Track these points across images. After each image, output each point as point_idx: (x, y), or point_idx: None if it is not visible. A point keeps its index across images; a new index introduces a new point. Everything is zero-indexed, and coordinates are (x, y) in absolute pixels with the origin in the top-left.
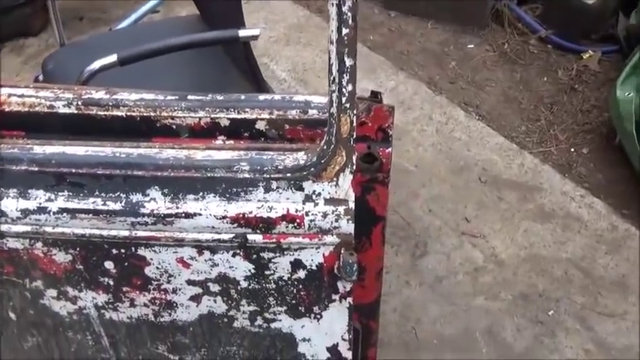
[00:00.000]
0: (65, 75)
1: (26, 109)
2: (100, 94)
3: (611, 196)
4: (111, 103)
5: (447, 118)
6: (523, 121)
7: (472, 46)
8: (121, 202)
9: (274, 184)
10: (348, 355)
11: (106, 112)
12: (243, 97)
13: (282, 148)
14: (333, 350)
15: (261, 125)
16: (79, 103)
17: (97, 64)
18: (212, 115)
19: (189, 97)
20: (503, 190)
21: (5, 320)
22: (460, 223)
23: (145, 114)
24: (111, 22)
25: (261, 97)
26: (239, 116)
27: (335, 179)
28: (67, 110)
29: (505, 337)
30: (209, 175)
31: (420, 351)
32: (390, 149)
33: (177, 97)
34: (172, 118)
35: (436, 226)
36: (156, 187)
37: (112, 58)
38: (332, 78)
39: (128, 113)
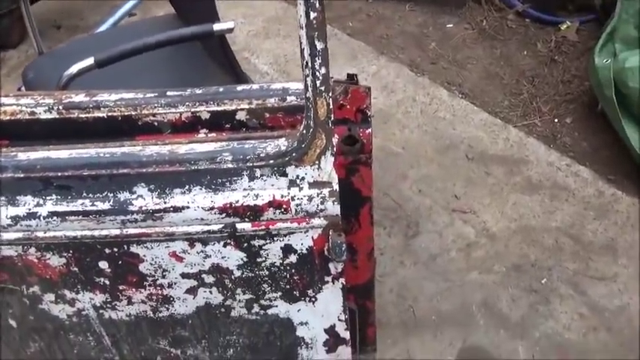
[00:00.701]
0: (46, 82)
1: (7, 118)
2: (79, 98)
3: (597, 162)
4: (91, 105)
5: (430, 98)
6: (506, 96)
7: (451, 25)
8: (109, 202)
9: (258, 172)
10: (346, 335)
11: (87, 115)
12: (221, 89)
13: (264, 136)
14: (331, 331)
15: (241, 115)
16: (60, 107)
17: (74, 68)
18: (192, 109)
19: (169, 92)
20: (490, 165)
21: (6, 328)
22: (450, 201)
23: (126, 113)
24: (88, 28)
25: (240, 87)
26: (219, 108)
27: (317, 162)
28: (48, 115)
29: (501, 308)
30: (193, 168)
31: (419, 328)
32: (369, 130)
33: (156, 94)
34: (154, 115)
35: (427, 206)
36: (142, 183)
37: (89, 61)
38: (305, 62)
39: (109, 114)
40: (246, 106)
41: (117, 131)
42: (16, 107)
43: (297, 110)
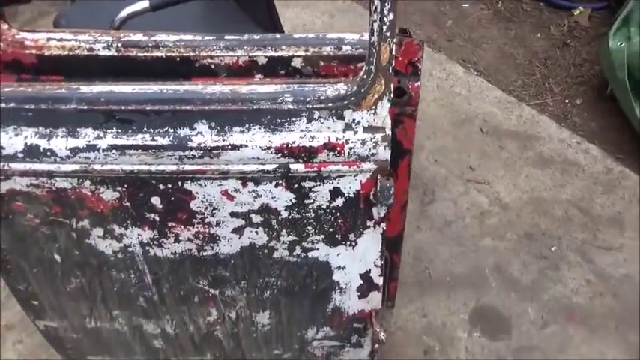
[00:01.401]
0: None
1: (66, 53)
2: (138, 37)
3: (605, 142)
4: (150, 45)
5: (446, 74)
6: (519, 76)
7: (467, 5)
8: (169, 137)
9: (316, 114)
10: (379, 281)
11: (145, 54)
12: (278, 36)
13: (319, 82)
14: (366, 276)
15: (296, 62)
16: (119, 45)
17: (126, 11)
18: (250, 54)
19: (227, 37)
20: (504, 140)
21: (50, 262)
22: (465, 172)
23: (184, 54)
24: None
25: (296, 35)
26: (276, 54)
27: (374, 107)
28: (106, 53)
29: (512, 272)
30: (255, 107)
31: (434, 288)
32: (418, 83)
33: (215, 38)
34: (211, 57)
35: (442, 175)
36: (203, 120)
37: (144, 4)
38: (374, 7)
39: (168, 54)
40: (303, 54)
41: (173, 72)
42: (75, 43)
43: (351, 60)
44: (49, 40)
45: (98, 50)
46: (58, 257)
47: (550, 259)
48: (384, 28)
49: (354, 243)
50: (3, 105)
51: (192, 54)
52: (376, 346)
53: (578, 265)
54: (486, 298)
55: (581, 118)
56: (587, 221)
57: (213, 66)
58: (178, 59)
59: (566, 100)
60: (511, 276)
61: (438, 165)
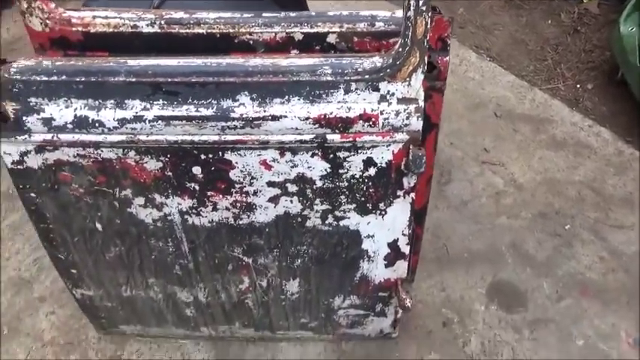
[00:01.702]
0: None
1: (110, 30)
2: (180, 14)
3: (616, 125)
4: (192, 22)
5: (460, 59)
6: (531, 61)
7: None
8: (212, 108)
9: (353, 86)
10: (406, 250)
11: (187, 31)
12: (313, 12)
13: (355, 56)
14: (394, 245)
15: (331, 38)
16: (162, 22)
17: None
18: (287, 30)
19: (264, 14)
20: (518, 123)
21: (91, 231)
22: (480, 154)
23: (224, 31)
24: None
25: (331, 12)
26: (312, 30)
27: (408, 79)
28: (149, 30)
29: (528, 249)
30: (295, 79)
31: (452, 264)
32: (447, 58)
33: (253, 15)
34: (250, 34)
35: (458, 157)
36: (245, 92)
37: None
38: None
39: (208, 30)
40: (337, 30)
41: (213, 48)
42: (119, 20)
43: (383, 36)
44: (94, 17)
45: (142, 27)
46: (99, 226)
47: (564, 237)
48: (420, 2)
49: (383, 212)
50: (54, 78)
51: (231, 30)
52: (399, 315)
53: (592, 242)
54: (503, 273)
55: (592, 102)
56: (600, 201)
57: (251, 42)
58: (218, 35)
59: (578, 85)
60: (526, 253)
61: (454, 147)
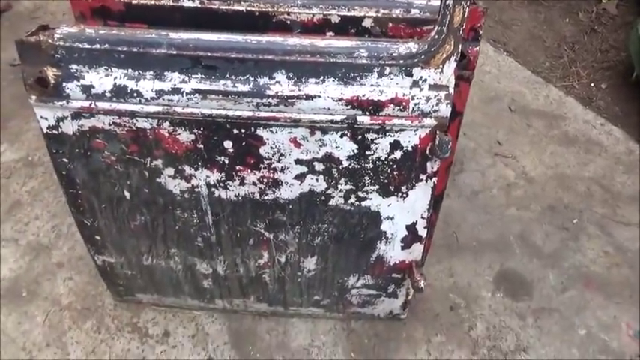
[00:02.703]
0: None
1: (152, 3)
2: None
3: (628, 125)
4: None
5: None
6: (547, 58)
7: None
8: (249, 84)
9: (387, 70)
10: (424, 233)
11: (227, 7)
12: None
13: (390, 41)
14: (412, 228)
15: (367, 23)
16: None
17: None
18: (325, 12)
19: None
20: (531, 118)
21: (119, 199)
22: (493, 146)
23: (263, 9)
24: None
25: None
26: (349, 13)
27: (441, 66)
28: (190, 4)
29: (535, 241)
30: (331, 60)
31: (461, 251)
32: (477, 48)
33: None
34: (288, 14)
35: (471, 148)
36: (282, 70)
37: None
38: None
39: (248, 8)
40: (374, 14)
41: (250, 26)
42: None
43: (418, 23)
44: None
45: (183, 1)
46: (127, 194)
47: (571, 230)
48: None
49: (405, 195)
50: (97, 46)
51: (270, 9)
52: (410, 297)
53: (598, 237)
54: (510, 262)
55: (605, 102)
56: (608, 198)
57: (288, 22)
58: (257, 14)
59: (592, 84)
60: (534, 244)
61: (467, 138)
